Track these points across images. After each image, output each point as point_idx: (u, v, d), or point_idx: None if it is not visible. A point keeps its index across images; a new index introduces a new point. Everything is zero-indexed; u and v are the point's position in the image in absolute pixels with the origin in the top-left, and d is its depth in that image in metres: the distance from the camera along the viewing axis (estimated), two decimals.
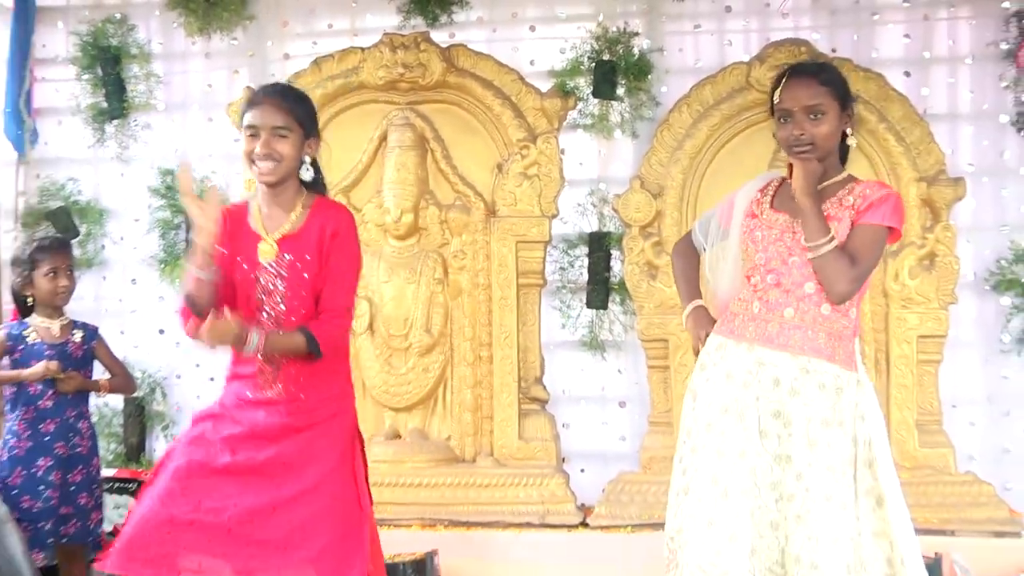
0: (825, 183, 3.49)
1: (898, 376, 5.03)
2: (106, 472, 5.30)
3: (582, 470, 5.44)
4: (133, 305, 5.81)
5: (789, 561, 3.41)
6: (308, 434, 3.68)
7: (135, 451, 5.89)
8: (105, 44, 5.71)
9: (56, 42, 5.93)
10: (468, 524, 5.08)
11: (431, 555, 4.77)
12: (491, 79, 5.36)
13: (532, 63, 5.60)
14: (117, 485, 5.43)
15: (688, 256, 3.86)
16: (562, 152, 5.32)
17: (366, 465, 3.82)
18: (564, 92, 5.36)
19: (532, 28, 5.70)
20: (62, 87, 5.88)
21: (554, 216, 5.30)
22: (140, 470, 5.67)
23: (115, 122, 5.75)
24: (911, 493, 4.69)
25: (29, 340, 4.89)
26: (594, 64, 5.46)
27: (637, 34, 5.48)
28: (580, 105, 5.45)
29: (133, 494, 5.38)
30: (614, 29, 5.47)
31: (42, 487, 4.78)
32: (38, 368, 4.76)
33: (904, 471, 4.82)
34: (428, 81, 5.33)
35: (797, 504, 3.39)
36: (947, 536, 4.71)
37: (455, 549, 4.88)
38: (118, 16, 5.77)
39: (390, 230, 5.36)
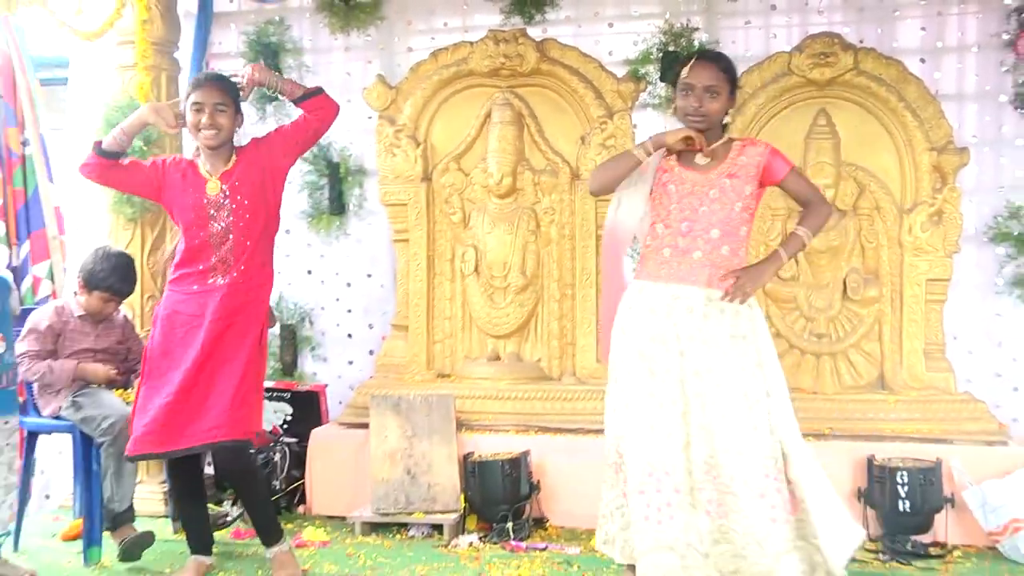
0: (713, 146, 3.76)
1: (910, 312, 5.13)
2: (266, 384, 5.39)
3: None
4: (287, 251, 6.04)
5: (719, 453, 3.61)
6: (246, 313, 4.18)
7: (289, 367, 6.17)
8: (267, 41, 5.96)
9: (229, 40, 6.15)
10: (554, 430, 5.23)
11: (524, 454, 4.97)
12: (576, 67, 5.48)
13: (610, 53, 5.68)
14: (275, 394, 5.72)
15: None
16: (634, 127, 5.44)
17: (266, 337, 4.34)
18: (636, 77, 5.48)
19: (610, 24, 5.78)
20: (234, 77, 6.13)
21: None
22: (293, 382, 5.98)
23: (274, 103, 5.98)
24: (918, 409, 5.00)
25: None
26: (661, 54, 5.53)
27: (697, 29, 5.56)
28: (649, 88, 5.54)
29: (287, 400, 5.75)
30: (678, 25, 5.54)
31: None
32: None
33: (912, 391, 5.06)
34: (524, 69, 5.46)
35: (720, 405, 3.62)
36: (947, 444, 4.82)
37: (543, 450, 5.08)
38: (277, 19, 6.00)
39: (493, 190, 5.52)
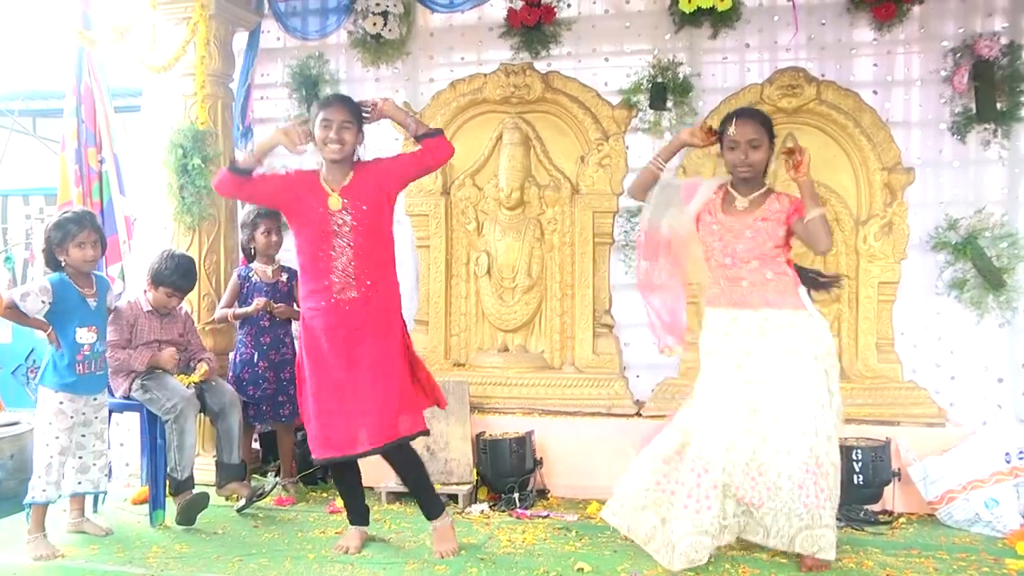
0: (755, 193, 3.84)
1: (864, 311, 5.10)
2: None
3: (638, 376, 5.52)
4: None
5: (766, 457, 3.69)
6: (378, 325, 4.01)
7: None
8: (308, 73, 5.94)
9: (276, 72, 6.13)
10: (555, 413, 5.23)
11: (529, 434, 4.97)
12: (577, 95, 5.44)
13: (606, 84, 5.64)
14: None
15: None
16: (627, 148, 5.40)
17: (407, 336, 4.18)
18: (629, 105, 5.42)
19: (606, 59, 5.75)
20: (280, 103, 6.11)
21: (620, 194, 5.36)
22: None
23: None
24: (871, 395, 4.96)
25: (252, 279, 5.20)
26: (651, 85, 5.51)
27: (681, 63, 5.53)
28: (640, 114, 5.51)
29: None
30: (665, 60, 5.52)
31: (262, 381, 5.16)
32: (256, 304, 5.08)
33: (866, 379, 5.04)
34: (531, 97, 5.44)
35: (772, 411, 3.70)
36: (895, 426, 4.82)
37: (546, 430, 5.08)
38: (317, 54, 5.98)
39: (503, 203, 5.50)
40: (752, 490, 3.74)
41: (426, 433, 4.11)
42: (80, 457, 4.37)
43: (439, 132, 4.18)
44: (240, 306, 5.22)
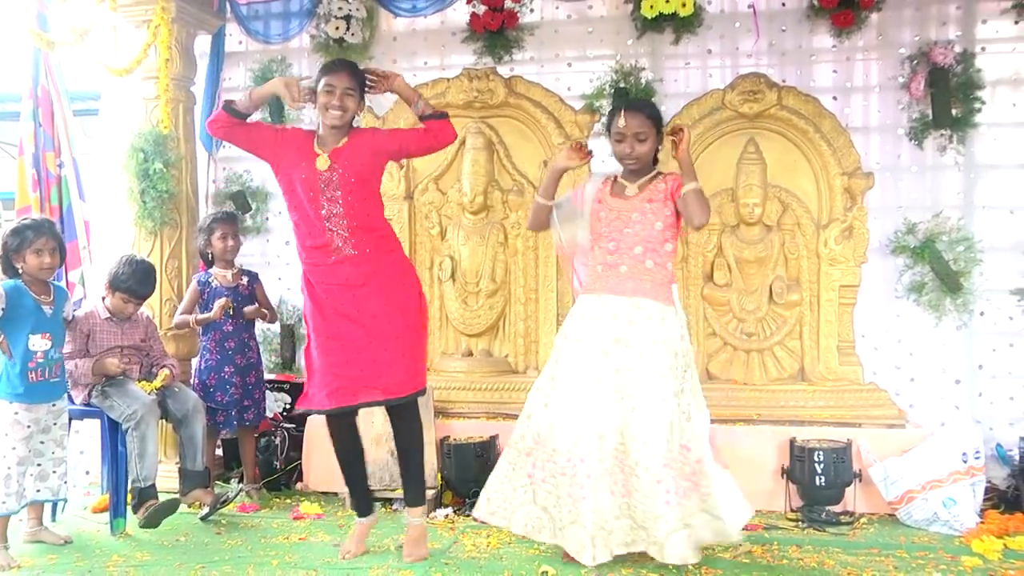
0: (644, 178, 3.88)
1: (825, 314, 5.15)
2: (268, 376, 5.58)
3: None
4: (288, 260, 5.95)
5: (628, 441, 3.66)
6: (383, 279, 3.99)
7: (288, 362, 6.08)
8: (270, 77, 5.78)
9: (238, 76, 6.07)
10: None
11: (493, 438, 4.97)
12: (540, 100, 5.46)
13: (569, 89, 5.65)
14: (275, 385, 5.65)
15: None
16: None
17: (424, 301, 4.17)
18: (591, 110, 5.45)
19: (569, 64, 5.75)
20: None
21: None
22: (291, 375, 5.89)
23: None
24: (832, 397, 5.01)
25: (212, 285, 5.16)
26: (613, 90, 5.53)
27: (644, 68, 5.56)
28: (603, 119, 5.22)
29: (286, 391, 5.65)
30: (628, 65, 5.54)
31: (228, 386, 5.12)
32: (217, 309, 5.05)
33: (828, 381, 5.09)
34: (494, 102, 5.45)
35: (633, 400, 3.67)
36: (856, 428, 4.85)
37: (510, 434, 4.79)
38: (279, 57, 5.96)
39: (466, 207, 5.50)
40: (621, 475, 3.71)
41: (422, 393, 4.11)
42: (39, 464, 4.30)
43: (444, 115, 4.12)
44: (201, 312, 5.19)
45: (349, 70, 4.02)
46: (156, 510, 4.46)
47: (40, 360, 4.21)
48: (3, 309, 4.13)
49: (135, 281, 4.73)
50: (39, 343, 4.21)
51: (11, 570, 4.04)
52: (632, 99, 4.30)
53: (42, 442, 4.30)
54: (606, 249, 3.87)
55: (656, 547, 3.66)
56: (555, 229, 4.10)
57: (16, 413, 4.18)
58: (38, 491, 4.30)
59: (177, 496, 4.63)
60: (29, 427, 4.21)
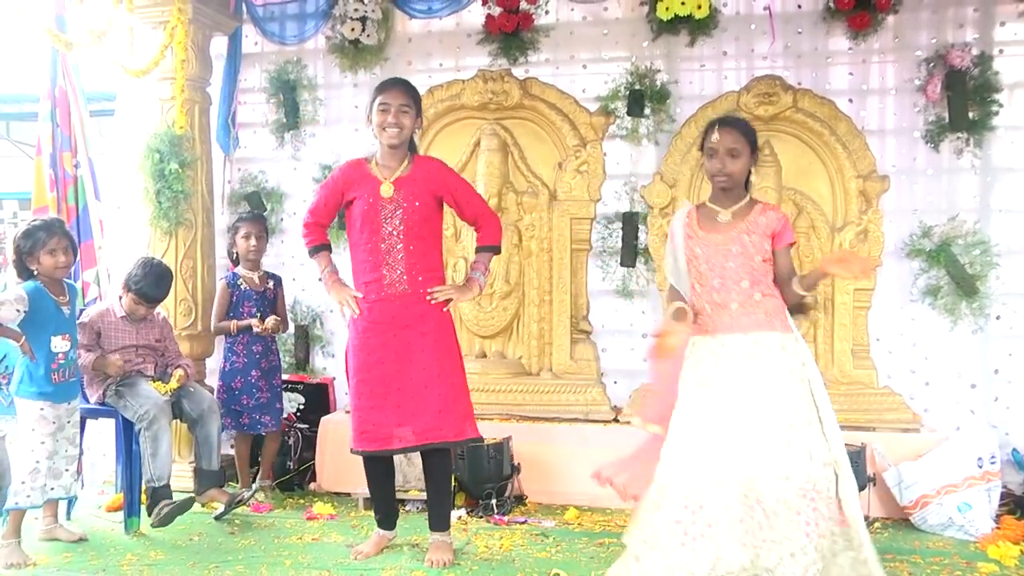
0: (738, 205, 3.61)
1: (840, 317, 5.14)
2: (282, 377, 5.56)
3: (615, 382, 5.49)
4: (302, 260, 5.88)
5: (763, 481, 3.32)
6: (432, 323, 3.94)
7: (302, 363, 6.08)
8: (286, 78, 5.93)
9: (253, 77, 6.08)
10: (534, 418, 5.23)
11: (507, 440, 4.96)
12: (554, 102, 5.47)
13: (584, 91, 5.63)
14: (290, 385, 5.67)
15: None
16: (604, 154, 5.43)
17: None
18: (606, 111, 5.46)
19: (584, 66, 5.73)
20: (257, 108, 6.07)
21: (598, 200, 5.43)
22: (305, 375, 5.92)
23: (291, 132, 5.97)
24: (846, 401, 4.96)
25: (241, 287, 5.20)
26: (628, 92, 5.52)
27: (659, 71, 5.54)
28: (618, 121, 5.53)
29: (300, 392, 5.70)
30: (643, 67, 5.52)
31: (255, 390, 5.18)
32: (271, 324, 5.19)
33: (842, 385, 5.06)
34: (509, 103, 5.46)
35: (767, 436, 3.36)
36: (869, 432, 4.85)
37: (524, 436, 5.07)
38: (295, 59, 5.96)
39: None
40: (751, 519, 3.37)
41: (479, 441, 4.15)
42: (53, 462, 4.32)
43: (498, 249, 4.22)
44: (231, 312, 5.26)
45: (403, 87, 3.99)
46: (170, 510, 4.47)
47: (62, 361, 4.25)
48: (26, 312, 4.14)
49: (147, 284, 4.73)
50: (60, 344, 4.24)
51: (27, 568, 4.06)
52: (727, 115, 4.06)
53: (56, 440, 4.31)
54: (711, 287, 3.61)
55: None
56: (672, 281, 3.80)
57: (42, 409, 4.21)
58: (52, 489, 4.32)
59: (192, 495, 4.64)
60: (54, 423, 4.24)
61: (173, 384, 4.76)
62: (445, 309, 4.03)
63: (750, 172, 3.66)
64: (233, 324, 5.22)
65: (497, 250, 4.19)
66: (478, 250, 4.16)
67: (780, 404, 3.42)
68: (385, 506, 4.24)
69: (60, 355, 4.24)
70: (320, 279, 4.17)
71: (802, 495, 3.34)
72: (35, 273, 4.24)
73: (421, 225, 3.94)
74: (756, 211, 3.61)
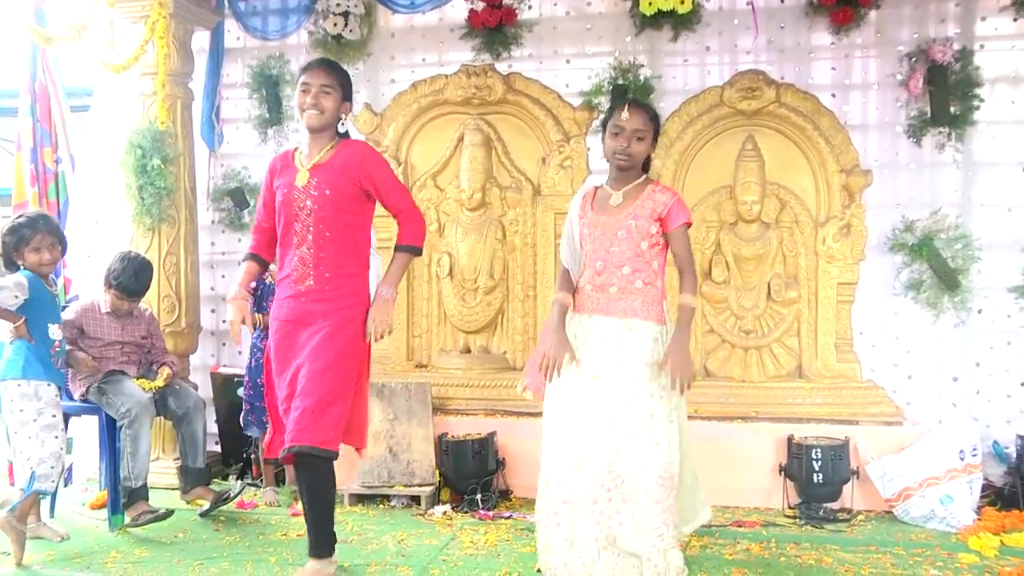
0: (630, 185, 3.62)
1: (823, 311, 5.17)
2: None
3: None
4: None
5: (623, 467, 3.46)
6: (334, 321, 3.59)
7: None
8: (268, 74, 5.87)
9: (236, 72, 6.03)
10: (518, 414, 5.18)
11: (491, 435, 4.98)
12: (538, 97, 5.47)
13: (567, 86, 5.62)
14: None
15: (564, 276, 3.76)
16: (588, 149, 5.41)
17: (369, 351, 3.77)
18: (590, 107, 5.44)
19: (568, 61, 5.72)
20: (240, 103, 6.01)
21: None
22: None
23: (274, 128, 5.92)
24: (829, 394, 5.04)
25: (266, 281, 4.93)
26: (612, 87, 5.49)
27: (642, 66, 5.52)
28: (601, 116, 5.29)
29: None
30: (626, 62, 5.51)
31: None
32: None
33: (825, 379, 5.11)
34: (493, 98, 5.46)
35: (628, 424, 3.47)
36: (853, 425, 4.87)
37: (508, 431, 5.07)
38: (277, 54, 5.91)
39: (464, 204, 5.50)
40: (608, 502, 3.51)
41: (333, 457, 3.58)
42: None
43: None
44: (256, 307, 4.97)
45: (327, 66, 3.75)
46: (149, 520, 4.46)
47: (57, 349, 4.32)
48: (26, 298, 4.17)
49: (126, 278, 4.72)
50: (56, 332, 4.31)
51: (65, 540, 4.28)
52: (637, 97, 4.09)
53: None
54: (594, 268, 3.63)
55: (653, 569, 3.48)
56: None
57: (56, 395, 4.26)
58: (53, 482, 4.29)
59: (172, 508, 4.58)
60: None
61: (159, 382, 4.75)
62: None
63: (650, 157, 3.71)
64: (258, 318, 4.96)
65: (418, 251, 3.81)
66: (397, 249, 3.77)
67: (644, 393, 3.49)
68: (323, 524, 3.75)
69: (56, 342, 4.30)
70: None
71: (660, 484, 3.48)
72: (21, 268, 4.25)
73: (335, 216, 3.62)
74: (646, 193, 3.60)
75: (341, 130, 3.78)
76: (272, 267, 4.69)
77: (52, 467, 4.15)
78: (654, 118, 3.68)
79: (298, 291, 3.65)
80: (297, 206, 3.64)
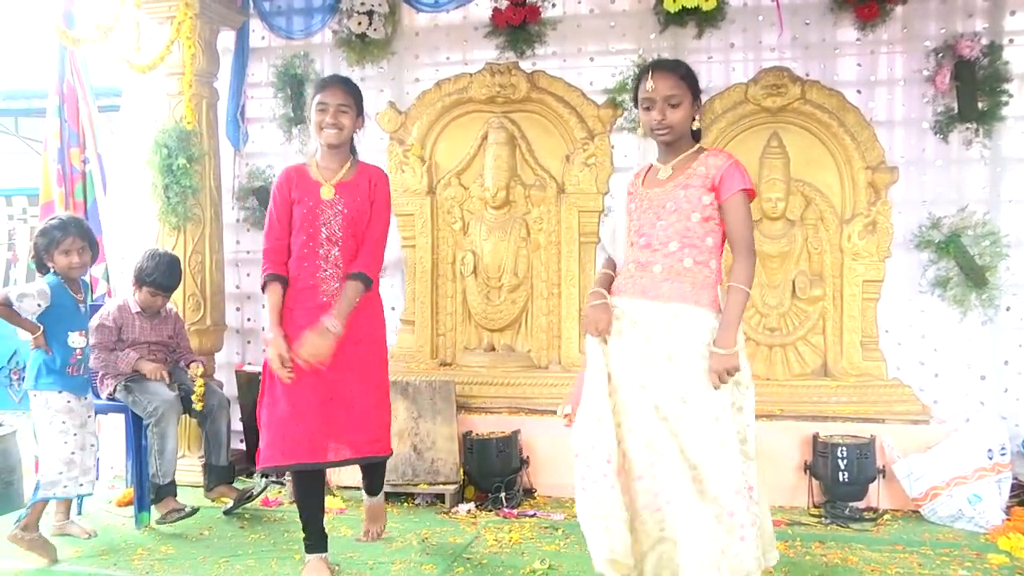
0: (680, 156, 3.18)
1: (848, 309, 5.14)
2: None
3: None
4: None
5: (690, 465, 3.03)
6: (364, 331, 3.82)
7: None
8: (293, 73, 5.87)
9: (261, 71, 6.05)
10: (542, 412, 5.17)
11: (516, 433, 4.99)
12: (562, 95, 5.47)
13: (591, 84, 5.59)
14: None
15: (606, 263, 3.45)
16: (612, 147, 5.43)
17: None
18: (614, 104, 5.43)
19: (591, 59, 5.69)
20: (264, 103, 6.02)
21: (606, 193, 5.39)
22: None
23: (298, 126, 5.91)
24: (855, 392, 5.01)
25: None
26: (636, 84, 5.56)
27: None
28: (625, 113, 5.46)
29: None
30: (650, 59, 5.26)
31: None
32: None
33: (851, 377, 5.09)
34: (517, 96, 5.46)
35: (680, 423, 3.03)
36: (879, 424, 4.85)
37: (532, 429, 5.08)
38: (302, 53, 5.91)
39: (489, 202, 5.51)
40: (652, 497, 3.10)
41: (388, 457, 4.11)
42: (85, 454, 4.31)
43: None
44: None
45: (343, 85, 3.87)
46: (177, 518, 4.52)
47: (79, 356, 4.26)
48: (47, 306, 4.17)
49: (160, 274, 4.77)
50: (78, 340, 4.25)
51: (93, 537, 4.25)
52: (660, 59, 3.54)
53: (84, 434, 4.31)
54: (638, 245, 3.22)
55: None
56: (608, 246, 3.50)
57: (68, 401, 4.22)
58: (81, 485, 4.28)
59: (196, 507, 4.62)
60: (79, 414, 4.26)
61: (199, 389, 4.74)
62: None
63: (695, 119, 3.19)
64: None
65: (369, 282, 3.84)
66: (351, 276, 3.80)
67: (701, 389, 3.05)
68: (317, 526, 3.87)
69: (77, 350, 4.25)
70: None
71: (734, 491, 3.03)
72: (52, 271, 4.26)
73: (358, 230, 3.85)
74: (699, 160, 3.16)
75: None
76: None
77: (61, 473, 4.15)
78: (686, 76, 3.18)
79: (321, 302, 3.77)
80: (323, 220, 3.80)
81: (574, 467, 3.22)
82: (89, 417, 4.35)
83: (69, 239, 4.22)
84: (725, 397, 3.09)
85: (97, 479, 4.61)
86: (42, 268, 4.29)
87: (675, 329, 3.12)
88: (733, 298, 3.12)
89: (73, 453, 4.19)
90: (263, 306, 5.81)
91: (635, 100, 3.29)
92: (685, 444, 3.05)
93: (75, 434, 4.21)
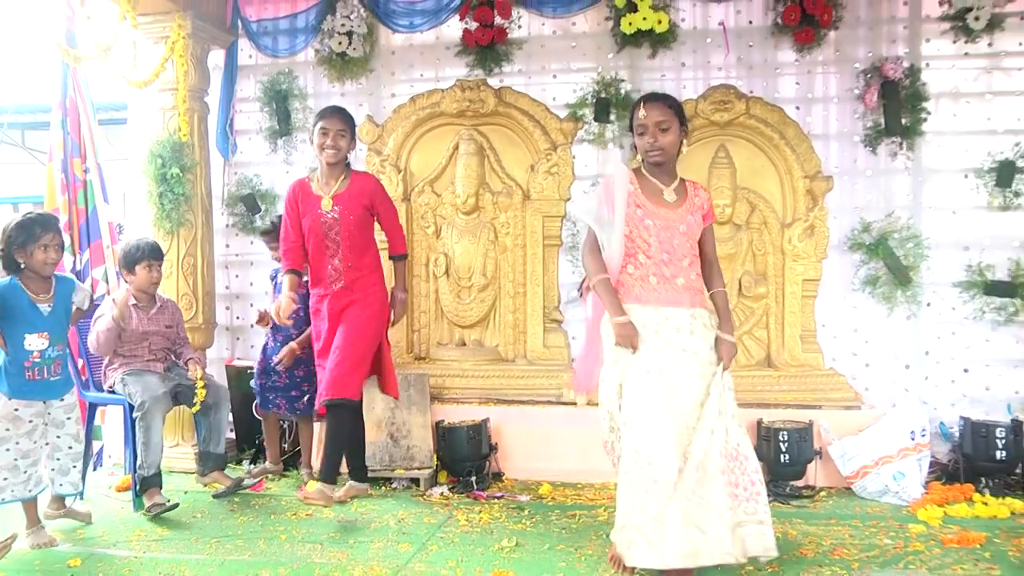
0: (676, 183, 3.48)
1: (790, 306, 5.23)
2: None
3: None
4: None
5: (696, 436, 3.22)
6: (360, 297, 4.45)
7: None
8: (278, 88, 5.85)
9: (248, 87, 6.00)
10: (509, 402, 5.25)
11: (485, 422, 5.00)
12: (527, 109, 5.50)
13: (554, 99, 5.62)
14: None
15: (598, 256, 3.48)
16: (574, 157, 5.48)
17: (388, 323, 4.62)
18: (575, 118, 5.47)
19: (554, 76, 5.69)
20: (252, 116, 5.97)
21: (568, 200, 5.44)
22: None
23: (283, 138, 5.90)
24: (796, 381, 5.11)
25: (278, 280, 4.99)
26: (595, 100, 5.48)
27: (623, 80, 5.52)
28: (585, 126, 5.51)
29: None
30: (608, 77, 5.50)
31: (294, 371, 5.08)
32: (285, 352, 5.00)
33: (792, 367, 5.18)
34: (485, 110, 5.49)
35: (711, 402, 3.27)
36: (816, 409, 4.93)
37: (500, 418, 5.11)
38: (287, 70, 5.88)
39: (459, 208, 5.53)
40: (692, 480, 3.21)
41: (359, 404, 4.53)
42: (58, 459, 4.13)
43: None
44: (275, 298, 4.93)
45: (341, 114, 4.45)
46: (161, 511, 4.41)
47: (37, 359, 3.96)
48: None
49: (147, 247, 4.78)
50: (36, 342, 3.95)
51: (52, 547, 3.99)
52: (652, 92, 3.72)
53: (58, 436, 4.12)
54: (660, 260, 3.43)
55: (718, 543, 3.16)
56: (604, 248, 3.50)
57: (16, 409, 3.96)
58: (60, 485, 4.17)
59: (177, 502, 4.52)
60: (31, 422, 3.99)
61: (200, 392, 4.70)
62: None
63: (683, 145, 3.48)
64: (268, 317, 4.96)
65: (405, 257, 4.73)
66: (394, 258, 4.68)
67: (712, 374, 3.36)
68: (330, 460, 4.39)
69: (35, 353, 3.94)
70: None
71: (724, 455, 3.23)
72: (21, 267, 3.95)
73: (355, 233, 4.43)
74: (691, 190, 3.51)
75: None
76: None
77: (6, 479, 3.91)
78: (673, 106, 3.46)
79: (333, 291, 4.45)
80: (326, 228, 4.40)
81: (636, 470, 3.27)
82: (68, 418, 4.09)
83: (50, 235, 3.94)
84: (723, 381, 3.39)
85: (100, 466, 4.60)
86: (10, 265, 3.95)
87: (695, 328, 3.42)
88: (724, 298, 3.59)
89: (16, 460, 3.94)
90: (251, 305, 5.97)
91: (630, 128, 3.54)
92: (698, 419, 3.32)
93: (17, 442, 3.94)
